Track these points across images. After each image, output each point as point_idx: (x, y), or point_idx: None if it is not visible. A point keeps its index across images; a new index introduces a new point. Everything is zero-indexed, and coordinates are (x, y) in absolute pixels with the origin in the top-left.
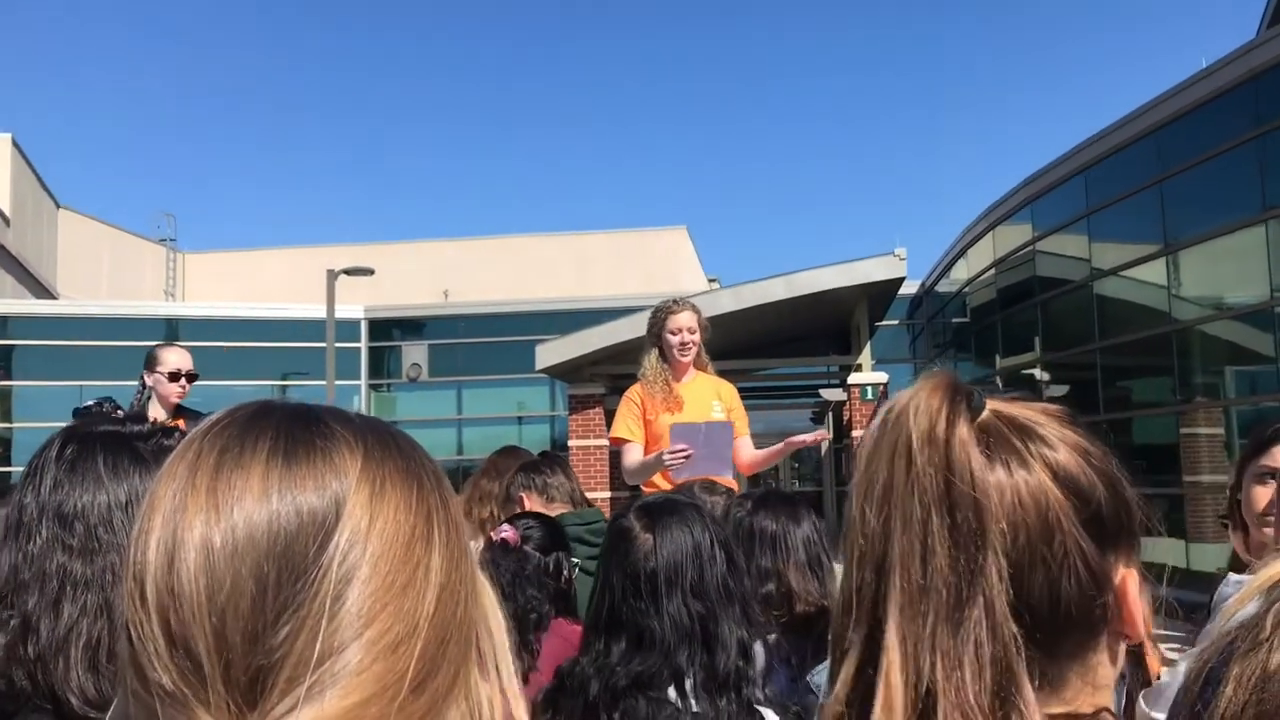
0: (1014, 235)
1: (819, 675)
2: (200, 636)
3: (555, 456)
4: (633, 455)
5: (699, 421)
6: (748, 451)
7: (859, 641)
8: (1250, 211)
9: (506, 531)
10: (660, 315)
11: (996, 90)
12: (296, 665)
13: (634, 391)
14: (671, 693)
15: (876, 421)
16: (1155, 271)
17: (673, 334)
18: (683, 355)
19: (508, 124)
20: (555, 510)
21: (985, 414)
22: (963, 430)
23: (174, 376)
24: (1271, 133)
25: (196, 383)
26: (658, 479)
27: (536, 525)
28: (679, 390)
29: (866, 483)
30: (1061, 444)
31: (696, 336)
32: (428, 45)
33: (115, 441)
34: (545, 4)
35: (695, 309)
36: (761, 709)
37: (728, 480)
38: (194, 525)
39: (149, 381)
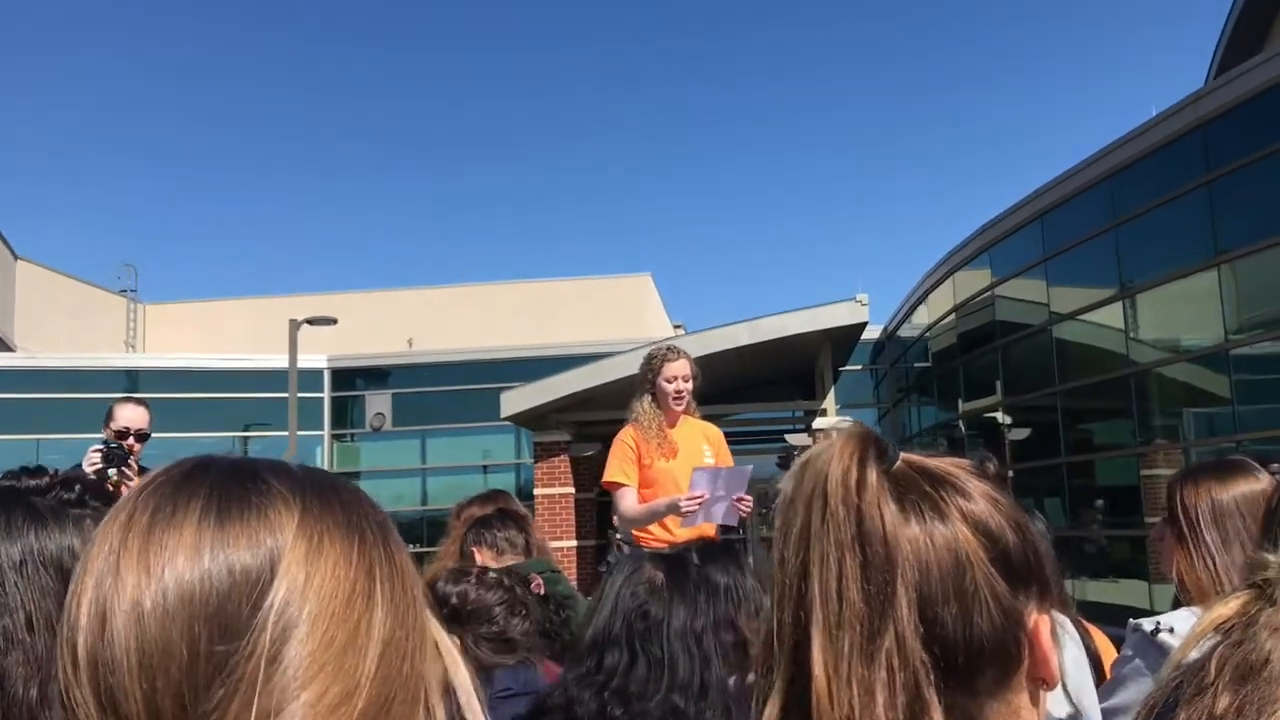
0: (973, 280)
1: None
2: (131, 701)
3: (506, 510)
4: (630, 500)
5: (718, 465)
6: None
7: (782, 677)
8: (1203, 256)
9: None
10: (656, 362)
11: (953, 135)
12: None
13: (627, 435)
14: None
15: (794, 469)
16: (1113, 315)
17: (668, 381)
18: (677, 405)
19: (470, 172)
20: (505, 562)
21: (899, 464)
22: (872, 476)
23: (121, 435)
24: (1221, 179)
25: (162, 434)
26: (654, 526)
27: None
28: (672, 435)
29: (786, 526)
30: (971, 490)
31: (690, 386)
32: (390, 95)
33: (7, 497)
34: (509, 52)
35: (689, 357)
36: None
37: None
38: (125, 587)
39: (105, 436)
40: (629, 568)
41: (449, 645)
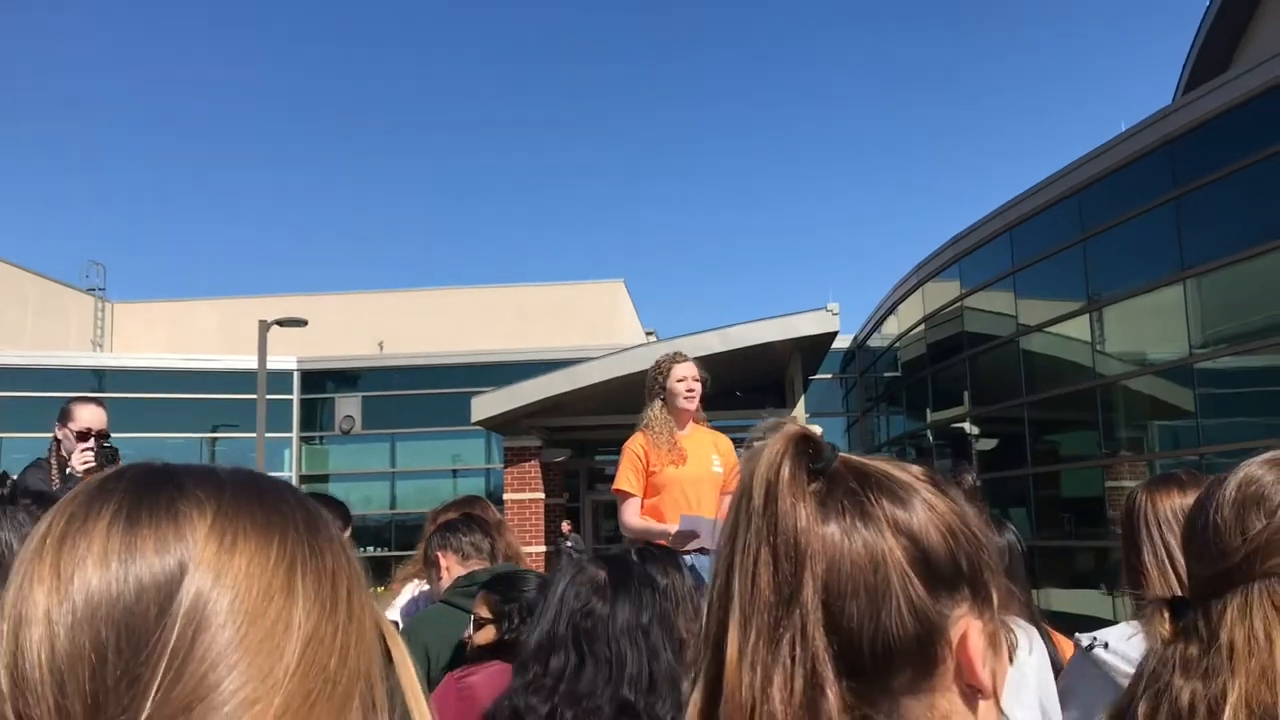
0: (943, 291)
1: None
2: (41, 706)
3: (473, 515)
4: (632, 510)
5: (700, 486)
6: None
7: (706, 665)
8: (1169, 270)
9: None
10: (665, 366)
11: (926, 148)
12: None
13: (636, 442)
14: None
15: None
16: (1080, 328)
17: (680, 381)
18: (688, 402)
19: (444, 177)
20: (470, 568)
21: (836, 464)
22: (787, 473)
23: (83, 436)
24: (1187, 195)
25: (129, 435)
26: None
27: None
28: (681, 442)
29: (725, 522)
30: (901, 492)
31: (700, 386)
32: (363, 95)
33: None
34: (485, 60)
35: (695, 361)
36: None
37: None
38: (38, 598)
39: (59, 435)
40: (571, 570)
41: (398, 642)
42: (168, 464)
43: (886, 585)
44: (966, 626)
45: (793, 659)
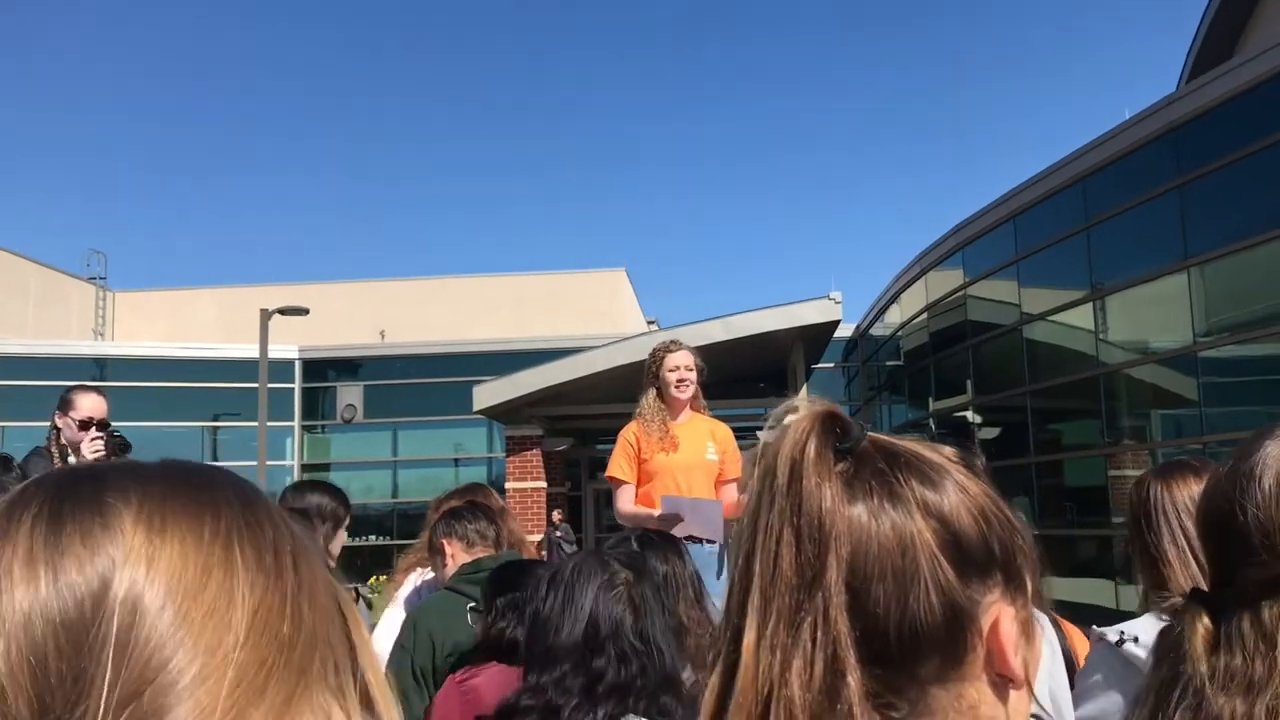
0: (946, 280)
1: None
2: None
3: (477, 503)
4: (625, 498)
5: (692, 474)
6: (730, 496)
7: (725, 650)
8: (1173, 259)
9: None
10: (658, 354)
11: (929, 137)
12: (98, 718)
13: (629, 431)
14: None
15: (758, 448)
16: (1083, 316)
17: (671, 371)
18: (681, 392)
19: (445, 166)
20: (475, 555)
21: (865, 444)
22: (813, 452)
23: (84, 425)
24: (1191, 183)
25: (132, 424)
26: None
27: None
28: (675, 430)
29: (746, 502)
30: (932, 474)
31: (694, 375)
32: (364, 83)
33: None
34: (486, 48)
35: (693, 350)
36: None
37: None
38: None
39: (59, 424)
40: (598, 571)
41: (352, 605)
42: (90, 464)
43: (915, 569)
44: (998, 613)
45: (813, 643)
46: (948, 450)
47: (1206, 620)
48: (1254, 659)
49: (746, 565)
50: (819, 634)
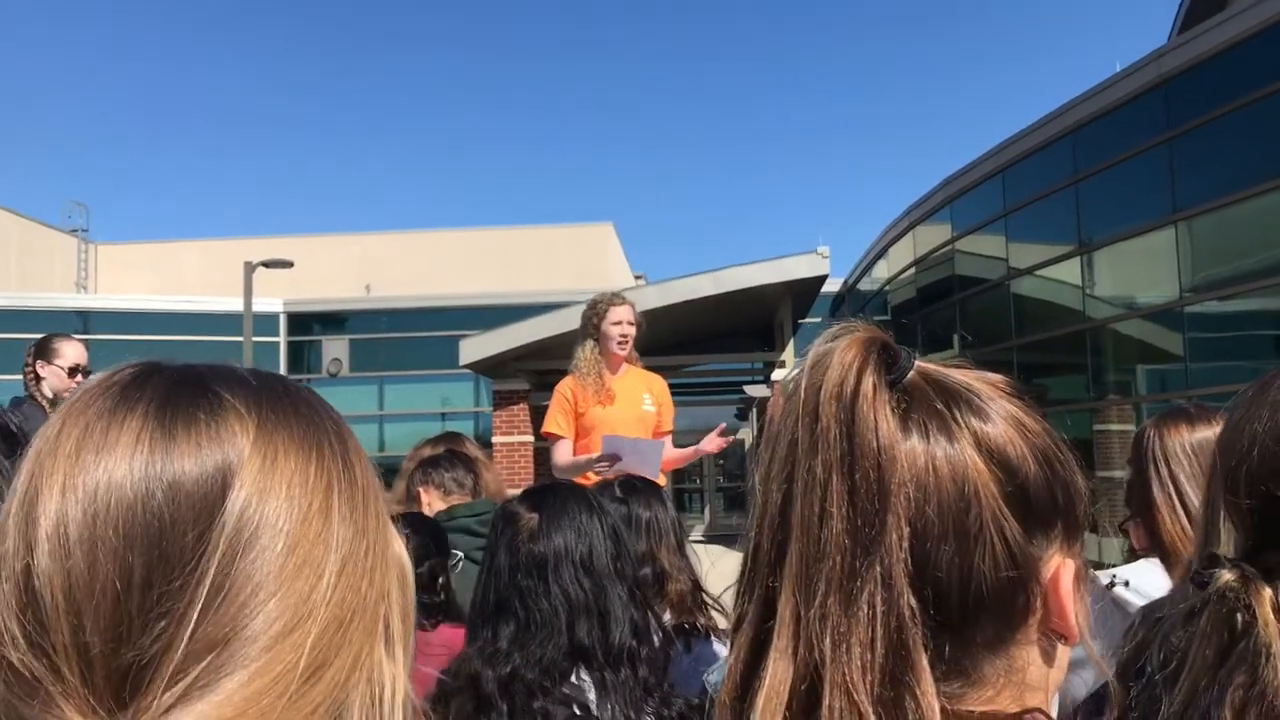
0: (934, 234)
1: (715, 674)
2: (57, 636)
3: (455, 451)
4: (563, 451)
5: (628, 427)
6: (667, 450)
7: (752, 617)
8: (1161, 213)
9: None
10: (600, 307)
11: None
12: (177, 660)
13: (565, 385)
14: (576, 680)
15: (789, 377)
16: (1070, 271)
17: (614, 324)
18: (620, 348)
19: (431, 116)
20: (451, 503)
21: (912, 375)
22: (869, 385)
23: (72, 372)
24: (1181, 137)
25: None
26: (593, 475)
27: (410, 533)
28: (611, 383)
29: (774, 441)
30: (993, 412)
31: (634, 330)
32: (353, 31)
33: None
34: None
35: (633, 304)
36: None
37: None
38: (49, 511)
39: (42, 372)
40: (502, 520)
41: (406, 565)
42: (200, 366)
43: (980, 525)
44: (1058, 567)
45: (873, 613)
46: (997, 378)
47: (1269, 591)
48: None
49: (778, 524)
50: (879, 604)
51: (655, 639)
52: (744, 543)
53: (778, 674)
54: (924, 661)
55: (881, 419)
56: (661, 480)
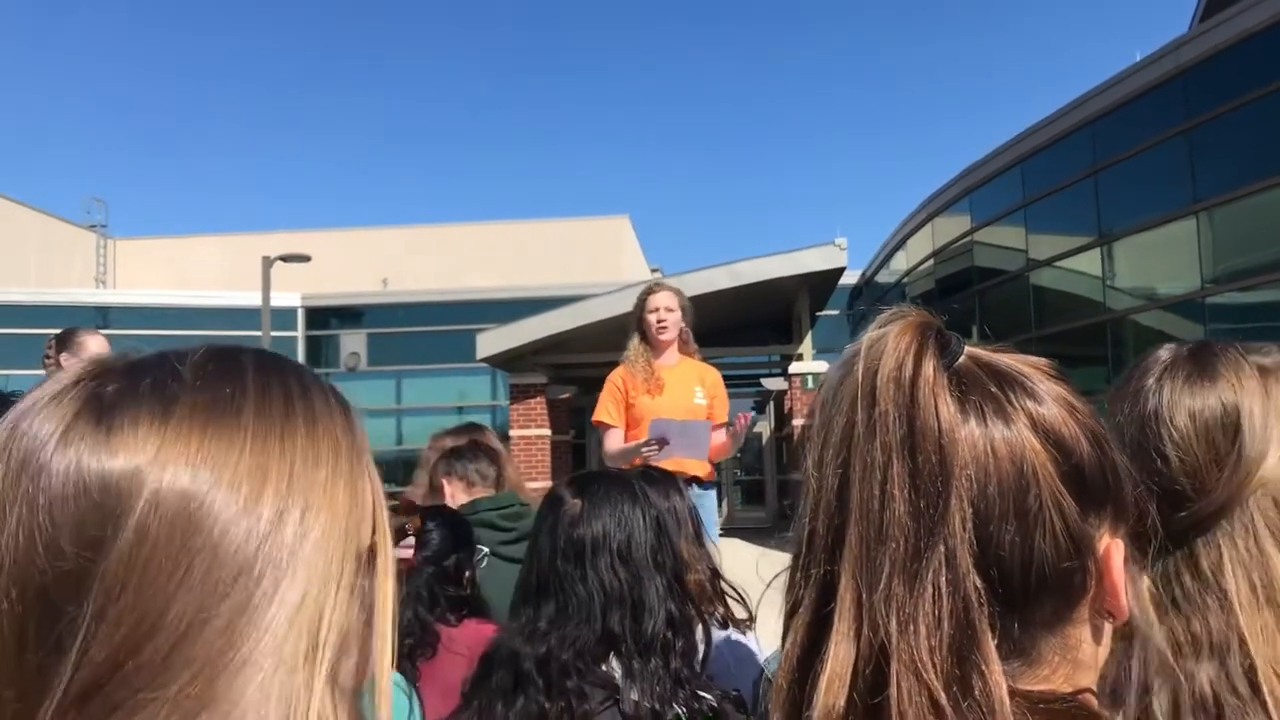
0: (952, 226)
1: (775, 663)
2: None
3: (479, 442)
4: (613, 439)
5: (676, 418)
6: (717, 439)
7: (810, 601)
8: (1180, 204)
9: (405, 552)
10: (641, 297)
11: (936, 81)
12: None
13: (616, 375)
14: (606, 666)
15: (841, 361)
16: (1090, 262)
17: (651, 313)
18: (661, 334)
19: (448, 112)
20: (474, 495)
21: (963, 360)
22: (929, 369)
23: None
24: (1200, 127)
25: None
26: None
27: (435, 526)
28: (661, 373)
29: (827, 426)
30: (1045, 395)
31: (676, 315)
32: (367, 28)
33: None
34: None
35: (676, 290)
36: (700, 691)
37: (703, 467)
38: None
39: (65, 364)
40: (548, 505)
41: (384, 522)
42: (144, 357)
43: (1039, 504)
44: (1109, 546)
45: (938, 595)
46: (1042, 361)
47: (1147, 581)
48: (1206, 616)
49: (835, 509)
50: (943, 586)
51: (695, 632)
52: (797, 528)
53: (840, 656)
54: (990, 641)
55: (942, 403)
56: (707, 469)
